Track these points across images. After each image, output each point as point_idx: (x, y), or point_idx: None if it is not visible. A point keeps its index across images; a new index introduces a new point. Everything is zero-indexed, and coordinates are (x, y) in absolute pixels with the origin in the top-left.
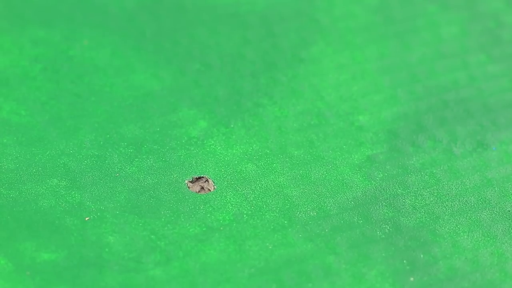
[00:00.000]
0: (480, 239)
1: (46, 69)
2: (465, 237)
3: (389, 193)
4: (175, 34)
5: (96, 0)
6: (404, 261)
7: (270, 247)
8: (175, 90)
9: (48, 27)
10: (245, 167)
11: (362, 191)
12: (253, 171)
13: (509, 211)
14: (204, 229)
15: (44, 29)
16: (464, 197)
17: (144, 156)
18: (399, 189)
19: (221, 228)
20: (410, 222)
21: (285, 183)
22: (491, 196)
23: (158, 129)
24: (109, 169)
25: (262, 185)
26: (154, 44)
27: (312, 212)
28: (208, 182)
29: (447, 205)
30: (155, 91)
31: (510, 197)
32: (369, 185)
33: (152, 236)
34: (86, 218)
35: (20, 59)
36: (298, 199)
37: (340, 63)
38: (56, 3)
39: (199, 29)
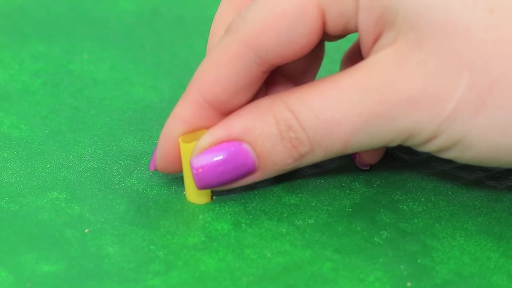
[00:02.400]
0: (477, 243)
1: (46, 84)
2: (463, 241)
3: (386, 199)
4: (174, 47)
5: (96, 15)
6: (402, 267)
7: (269, 255)
8: (174, 102)
9: (48, 42)
10: None
11: (360, 198)
12: None
13: (507, 215)
14: (202, 238)
15: (44, 43)
16: (461, 202)
17: (143, 168)
18: (397, 194)
19: (220, 237)
20: (407, 228)
21: (283, 191)
22: (488, 200)
23: (157, 141)
24: (108, 181)
25: (260, 193)
26: (153, 56)
27: (310, 219)
28: None
29: (444, 210)
30: (154, 103)
31: (507, 202)
32: (367, 191)
33: (151, 247)
34: (86, 230)
35: (20, 74)
36: (296, 207)
37: (338, 69)
38: (55, 18)
39: (198, 40)
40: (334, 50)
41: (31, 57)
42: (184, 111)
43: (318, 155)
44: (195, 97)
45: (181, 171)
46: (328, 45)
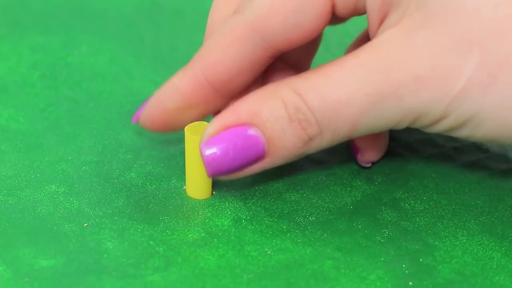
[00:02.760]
0: (480, 242)
1: (45, 76)
2: (465, 240)
3: (388, 197)
4: (174, 40)
5: (95, 7)
6: (403, 265)
7: (269, 252)
8: None
9: (47, 34)
10: None
11: (361, 195)
12: (252, 176)
13: (509, 215)
14: (202, 234)
15: (42, 35)
16: (463, 201)
17: (142, 162)
18: (399, 193)
19: (220, 233)
20: (409, 226)
21: (284, 188)
22: (491, 199)
23: (156, 135)
24: (107, 175)
25: (261, 190)
26: (152, 50)
27: (311, 216)
28: None
29: (446, 209)
30: None
31: (510, 201)
32: (368, 189)
33: (150, 242)
34: (85, 224)
35: (18, 66)
36: (297, 204)
37: None
38: (54, 9)
39: (198, 34)
40: (335, 46)
41: (29, 49)
42: (183, 83)
43: (326, 139)
44: (196, 74)
45: (161, 131)
46: (329, 39)
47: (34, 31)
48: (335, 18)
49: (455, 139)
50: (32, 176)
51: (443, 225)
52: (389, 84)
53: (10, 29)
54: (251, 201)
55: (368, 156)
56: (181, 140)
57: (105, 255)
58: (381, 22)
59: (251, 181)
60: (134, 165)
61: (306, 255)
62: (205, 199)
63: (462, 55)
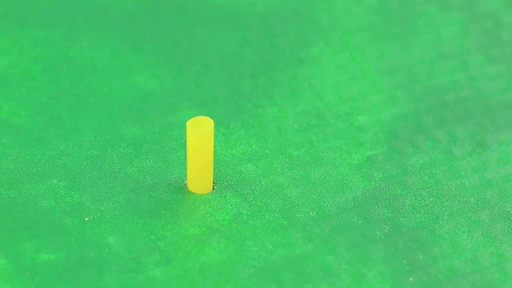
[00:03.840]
0: (479, 239)
1: (46, 70)
2: (465, 237)
3: (388, 193)
4: (175, 35)
5: (96, 1)
6: (404, 262)
7: (270, 247)
8: (175, 90)
9: (48, 28)
10: (245, 168)
11: (361, 192)
12: (253, 172)
13: (509, 211)
14: (203, 229)
15: (43, 29)
16: (463, 198)
17: (143, 157)
18: (399, 189)
19: (221, 228)
20: (409, 223)
21: (284, 183)
22: (490, 196)
23: (157, 130)
24: (108, 170)
25: (261, 185)
26: (153, 44)
27: (312, 212)
28: None
29: (446, 206)
30: (155, 91)
31: (509, 198)
32: (369, 185)
33: (151, 237)
34: (86, 219)
35: (19, 60)
36: (298, 199)
37: (339, 64)
38: (56, 3)
39: (199, 29)
40: (336, 42)
41: (30, 43)
42: None
43: None
44: None
45: None
46: (329, 35)
47: (35, 25)
48: None
49: (455, 136)
50: (34, 170)
51: (443, 221)
52: None
53: (11, 23)
54: (252, 196)
55: None
56: (182, 134)
57: (106, 250)
58: None
59: (252, 177)
60: (135, 160)
61: (307, 250)
62: (206, 194)
63: None
